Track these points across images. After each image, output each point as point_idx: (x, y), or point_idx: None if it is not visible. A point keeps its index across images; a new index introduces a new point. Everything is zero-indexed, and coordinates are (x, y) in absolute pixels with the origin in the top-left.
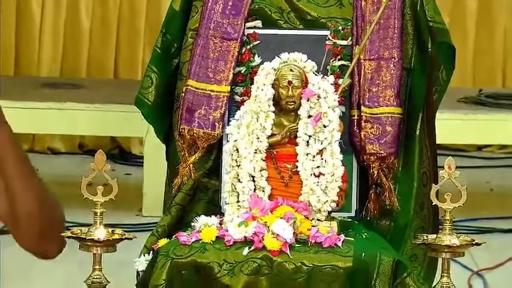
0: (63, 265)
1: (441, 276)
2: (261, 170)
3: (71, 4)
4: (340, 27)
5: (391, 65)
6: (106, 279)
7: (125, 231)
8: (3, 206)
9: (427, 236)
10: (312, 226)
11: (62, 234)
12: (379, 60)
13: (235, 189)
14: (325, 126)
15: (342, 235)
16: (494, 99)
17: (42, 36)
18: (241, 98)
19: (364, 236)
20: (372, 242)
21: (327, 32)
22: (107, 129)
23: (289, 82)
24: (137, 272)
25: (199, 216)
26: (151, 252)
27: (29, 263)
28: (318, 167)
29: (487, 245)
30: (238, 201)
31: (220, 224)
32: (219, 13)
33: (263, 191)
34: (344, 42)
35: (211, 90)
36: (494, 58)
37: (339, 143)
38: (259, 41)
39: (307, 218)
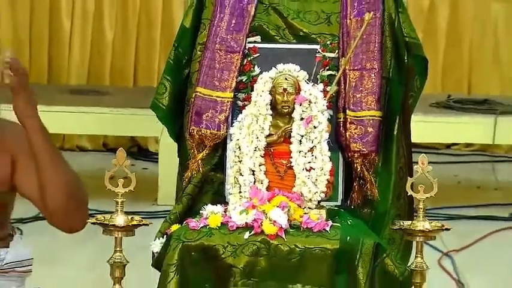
0: (89, 248)
1: (415, 256)
2: (260, 165)
3: (96, 17)
4: (328, 42)
5: (372, 75)
6: (126, 259)
7: (142, 218)
8: (35, 194)
9: (403, 222)
10: (304, 213)
11: (88, 220)
12: (362, 71)
13: (238, 181)
14: (315, 127)
15: (330, 221)
16: (461, 104)
17: (72, 48)
18: (243, 103)
19: (349, 222)
20: (355, 227)
21: (317, 46)
22: (127, 129)
23: (284, 89)
24: (153, 253)
25: (206, 205)
26: (165, 236)
27: (58, 246)
28: (309, 162)
29: (454, 230)
30: (240, 192)
31: (225, 211)
32: (224, 29)
33: (262, 183)
34: (332, 55)
35: (217, 96)
36: (461, 68)
37: (327, 142)
38: (258, 54)
39: (300, 207)
